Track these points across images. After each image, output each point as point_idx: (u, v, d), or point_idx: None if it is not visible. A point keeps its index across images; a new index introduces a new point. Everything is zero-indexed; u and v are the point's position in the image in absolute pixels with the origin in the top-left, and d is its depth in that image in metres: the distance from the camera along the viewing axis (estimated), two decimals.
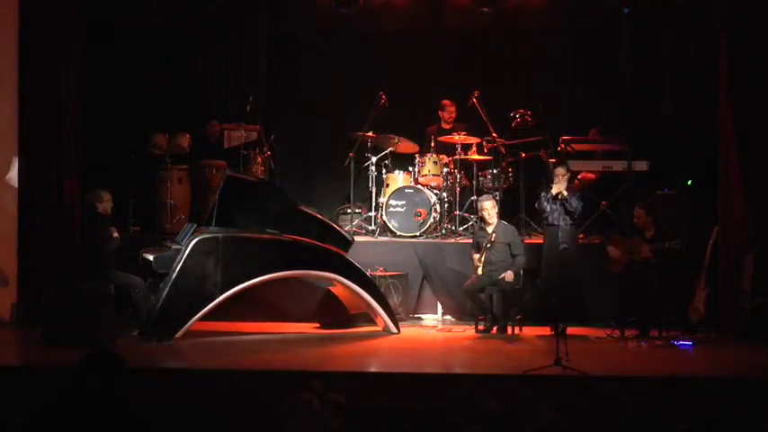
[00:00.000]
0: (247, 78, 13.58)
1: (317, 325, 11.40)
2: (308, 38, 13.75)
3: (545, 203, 11.18)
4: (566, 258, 11.01)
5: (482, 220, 11.37)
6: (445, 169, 12.46)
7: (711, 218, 11.30)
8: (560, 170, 11.25)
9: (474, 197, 12.45)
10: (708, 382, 8.79)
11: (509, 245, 11.11)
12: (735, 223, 11.13)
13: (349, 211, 12.75)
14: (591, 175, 12.50)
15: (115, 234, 11.19)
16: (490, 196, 11.65)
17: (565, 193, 11.10)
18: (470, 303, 11.27)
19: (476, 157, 12.51)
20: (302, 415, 7.70)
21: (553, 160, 12.07)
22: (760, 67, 11.06)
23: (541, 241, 11.41)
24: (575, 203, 11.12)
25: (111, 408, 4.50)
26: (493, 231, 11.12)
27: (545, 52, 13.44)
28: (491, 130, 12.60)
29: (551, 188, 11.21)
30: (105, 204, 11.12)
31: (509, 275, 10.99)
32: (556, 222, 11.11)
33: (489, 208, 11.24)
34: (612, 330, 10.81)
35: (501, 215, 11.41)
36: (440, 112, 12.99)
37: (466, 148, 12.61)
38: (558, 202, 11.08)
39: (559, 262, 11.01)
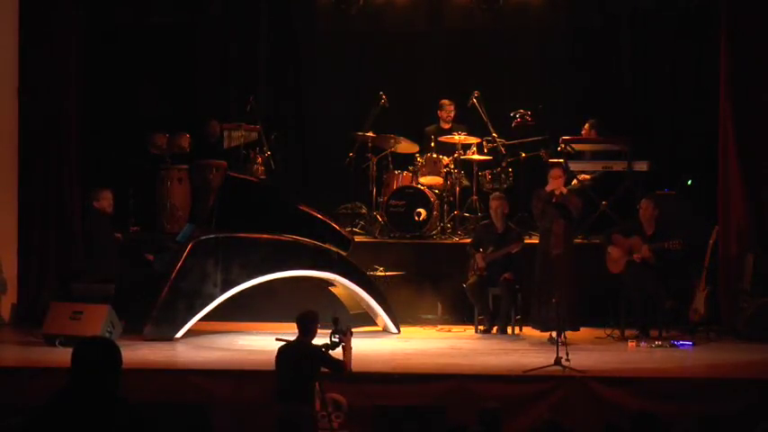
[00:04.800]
0: (247, 78, 13.57)
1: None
2: (308, 38, 13.74)
3: (535, 200, 10.80)
4: (558, 264, 10.62)
5: (490, 218, 11.38)
6: (445, 169, 12.46)
7: (711, 218, 11.30)
8: (555, 171, 10.86)
9: (475, 197, 12.46)
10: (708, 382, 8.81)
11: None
12: (735, 223, 11.13)
13: (349, 211, 12.75)
14: (586, 176, 12.48)
15: (116, 234, 11.22)
16: (501, 195, 11.58)
17: (564, 190, 10.75)
18: (470, 303, 11.27)
19: (476, 157, 12.51)
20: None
21: (553, 160, 12.06)
22: (760, 68, 11.07)
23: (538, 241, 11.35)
24: (575, 202, 10.81)
25: (109, 407, 4.48)
26: (509, 234, 11.10)
27: (545, 52, 13.41)
28: (491, 130, 12.61)
29: (542, 191, 10.81)
30: (103, 203, 11.12)
31: (509, 276, 10.99)
32: (549, 226, 10.69)
33: (499, 207, 11.23)
34: (612, 330, 10.81)
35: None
36: (438, 112, 12.98)
37: (466, 147, 12.61)
38: (554, 204, 10.69)
39: (555, 266, 10.64)
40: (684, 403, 8.47)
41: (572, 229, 10.87)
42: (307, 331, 7.85)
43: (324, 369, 7.79)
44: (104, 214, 11.17)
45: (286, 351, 7.84)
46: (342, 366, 7.85)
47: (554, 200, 10.68)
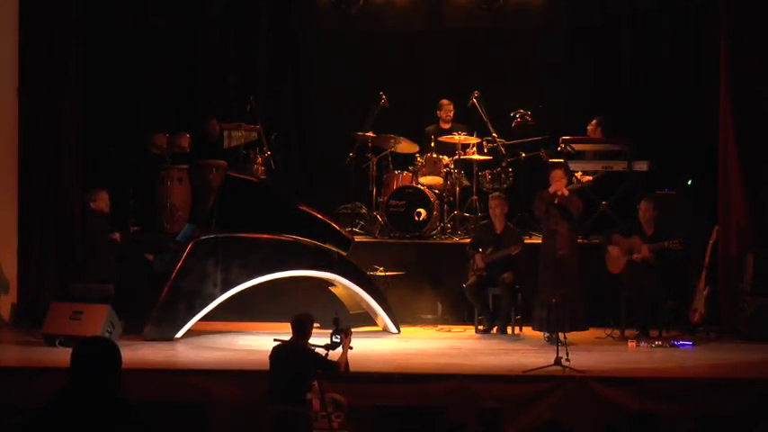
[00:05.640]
0: (247, 78, 13.57)
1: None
2: (308, 38, 13.74)
3: (538, 202, 10.67)
4: (565, 265, 10.53)
5: (489, 218, 11.37)
6: (445, 169, 12.45)
7: (711, 218, 11.29)
8: (557, 173, 10.73)
9: (475, 197, 12.46)
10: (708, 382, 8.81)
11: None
12: (735, 223, 11.13)
13: (349, 211, 12.75)
14: (588, 177, 12.48)
15: (115, 235, 11.21)
16: (500, 195, 11.56)
17: (565, 192, 10.63)
18: (470, 303, 11.27)
19: (476, 157, 12.51)
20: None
21: (554, 160, 12.06)
22: (760, 67, 11.07)
23: (541, 241, 11.31)
24: (576, 203, 10.68)
25: (109, 407, 4.49)
26: (508, 234, 11.09)
27: (545, 52, 13.42)
28: (491, 130, 12.61)
29: (545, 192, 10.69)
30: (100, 203, 11.12)
31: (509, 276, 10.98)
32: (554, 227, 10.59)
33: (498, 207, 11.22)
34: (612, 330, 10.81)
35: None
36: (438, 112, 12.99)
37: (466, 148, 12.61)
38: (557, 205, 10.57)
39: (559, 269, 10.50)
40: (684, 403, 8.47)
41: (575, 229, 10.83)
42: (302, 333, 7.90)
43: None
44: (102, 215, 11.18)
45: (280, 352, 7.86)
46: (335, 368, 7.86)
47: (556, 201, 10.62)
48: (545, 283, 10.54)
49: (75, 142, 11.74)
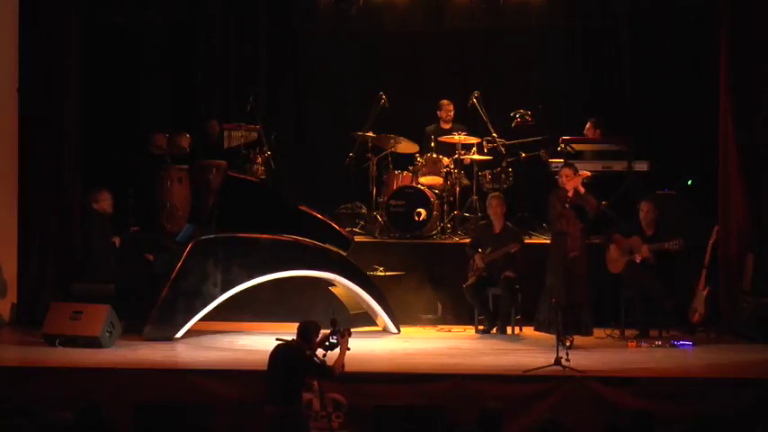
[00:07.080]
0: (247, 78, 13.57)
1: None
2: (308, 38, 13.74)
3: (554, 201, 10.63)
4: (575, 267, 10.54)
5: (488, 218, 11.37)
6: (445, 169, 12.45)
7: (711, 218, 11.29)
8: (567, 171, 10.74)
9: (475, 197, 12.46)
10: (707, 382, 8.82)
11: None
12: (735, 223, 11.13)
13: (349, 211, 12.75)
14: (586, 173, 12.48)
15: (115, 239, 11.21)
16: (499, 195, 11.55)
17: (582, 190, 10.58)
18: (470, 303, 11.27)
19: (476, 157, 12.51)
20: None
21: (554, 160, 12.06)
22: (760, 67, 11.07)
23: (542, 241, 11.32)
24: (592, 202, 10.63)
25: None
26: (507, 234, 11.08)
27: (545, 52, 13.43)
28: (491, 130, 12.61)
29: (561, 191, 10.67)
30: (103, 204, 11.14)
31: (509, 276, 10.97)
32: (564, 228, 10.58)
33: (497, 206, 11.21)
34: (612, 330, 10.81)
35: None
36: (438, 112, 12.99)
37: (466, 148, 12.61)
38: (571, 205, 10.54)
39: (569, 271, 10.53)
40: (684, 403, 8.48)
41: (586, 230, 10.79)
42: (305, 339, 7.85)
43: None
44: (105, 215, 11.19)
45: (277, 353, 7.83)
46: (329, 374, 7.83)
47: (567, 202, 10.58)
48: (555, 285, 10.46)
49: (76, 142, 11.74)
